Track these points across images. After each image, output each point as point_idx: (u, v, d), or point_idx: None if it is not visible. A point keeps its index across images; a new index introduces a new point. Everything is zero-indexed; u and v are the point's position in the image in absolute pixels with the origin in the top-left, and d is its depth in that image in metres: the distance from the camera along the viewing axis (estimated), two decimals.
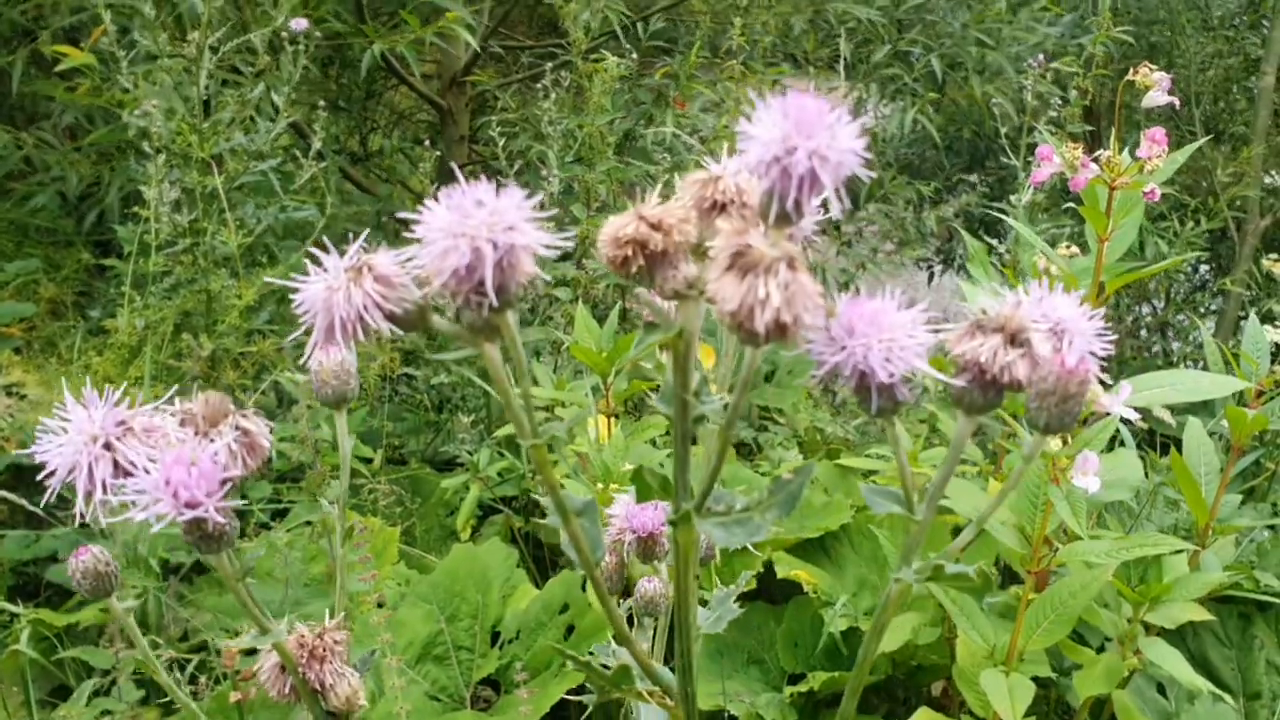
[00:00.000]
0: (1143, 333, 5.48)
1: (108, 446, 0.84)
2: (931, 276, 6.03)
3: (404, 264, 0.82)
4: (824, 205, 0.74)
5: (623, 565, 1.18)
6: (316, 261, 0.84)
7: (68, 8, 3.84)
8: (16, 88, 3.99)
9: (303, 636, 1.03)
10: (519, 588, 2.87)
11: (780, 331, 0.72)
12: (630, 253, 0.83)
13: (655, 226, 0.82)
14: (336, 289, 0.81)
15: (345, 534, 1.15)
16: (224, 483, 0.82)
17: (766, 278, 0.72)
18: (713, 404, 0.90)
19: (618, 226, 0.82)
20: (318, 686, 1.04)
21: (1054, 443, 2.33)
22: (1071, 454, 2.30)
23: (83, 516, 0.83)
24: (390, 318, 0.82)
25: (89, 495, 0.83)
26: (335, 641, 1.05)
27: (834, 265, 4.85)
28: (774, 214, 0.75)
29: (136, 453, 0.84)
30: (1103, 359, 0.91)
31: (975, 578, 0.91)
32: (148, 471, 0.81)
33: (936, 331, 0.85)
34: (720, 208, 0.85)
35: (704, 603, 1.14)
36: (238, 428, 0.89)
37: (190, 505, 0.81)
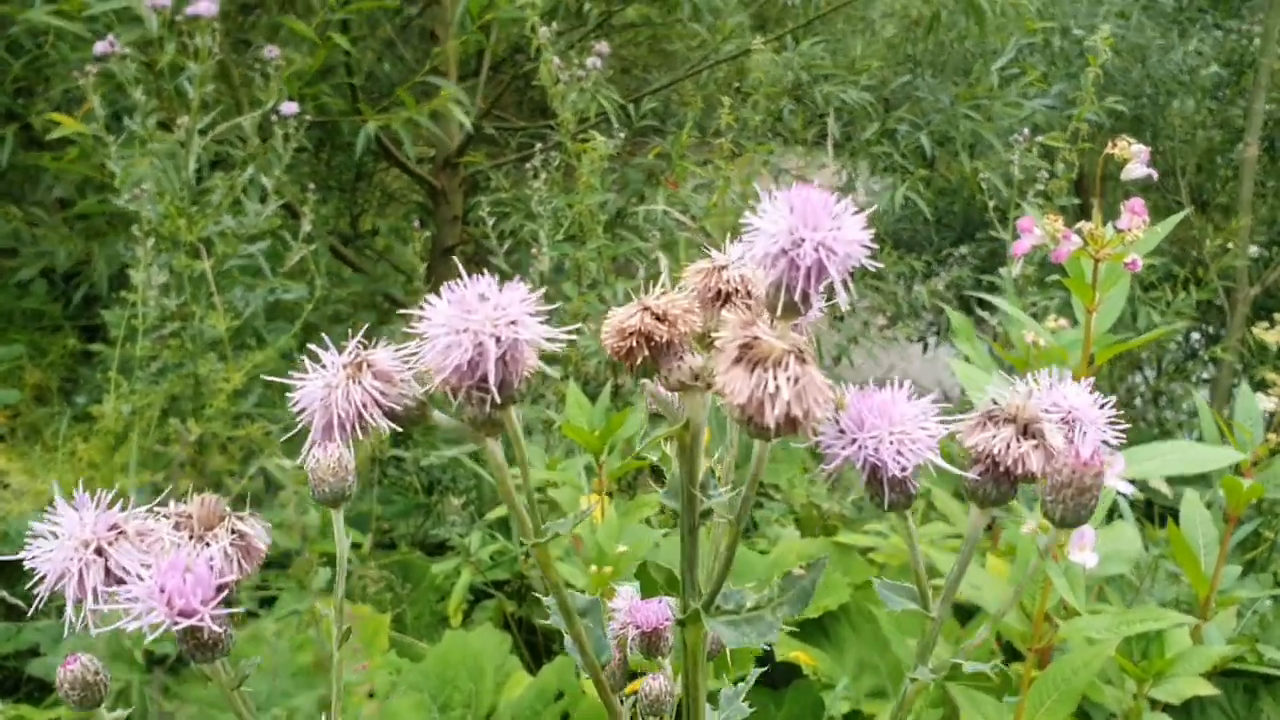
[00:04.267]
0: (1137, 402, 5.48)
1: (99, 552, 0.81)
2: (926, 347, 6.04)
3: (404, 359, 0.81)
4: (829, 292, 0.74)
5: (625, 661, 1.15)
6: (314, 356, 0.82)
7: (58, 85, 3.85)
8: (6, 159, 3.98)
9: None
10: (512, 675, 2.82)
11: (791, 426, 0.71)
12: (635, 344, 0.82)
13: (660, 318, 0.81)
14: (335, 386, 0.79)
15: (343, 635, 1.11)
16: (220, 589, 0.79)
17: (776, 371, 0.71)
18: (720, 497, 0.88)
19: (622, 318, 0.81)
20: None
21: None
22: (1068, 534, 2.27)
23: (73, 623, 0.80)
24: (390, 415, 0.80)
25: (79, 603, 0.80)
26: None
27: (828, 340, 4.85)
28: (781, 305, 0.73)
29: (130, 558, 0.81)
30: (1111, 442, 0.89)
31: (994, 676, 0.88)
32: (141, 578, 0.78)
33: (947, 423, 0.84)
34: (725, 298, 0.84)
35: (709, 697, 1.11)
36: (233, 530, 0.86)
37: (185, 614, 0.78)
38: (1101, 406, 0.88)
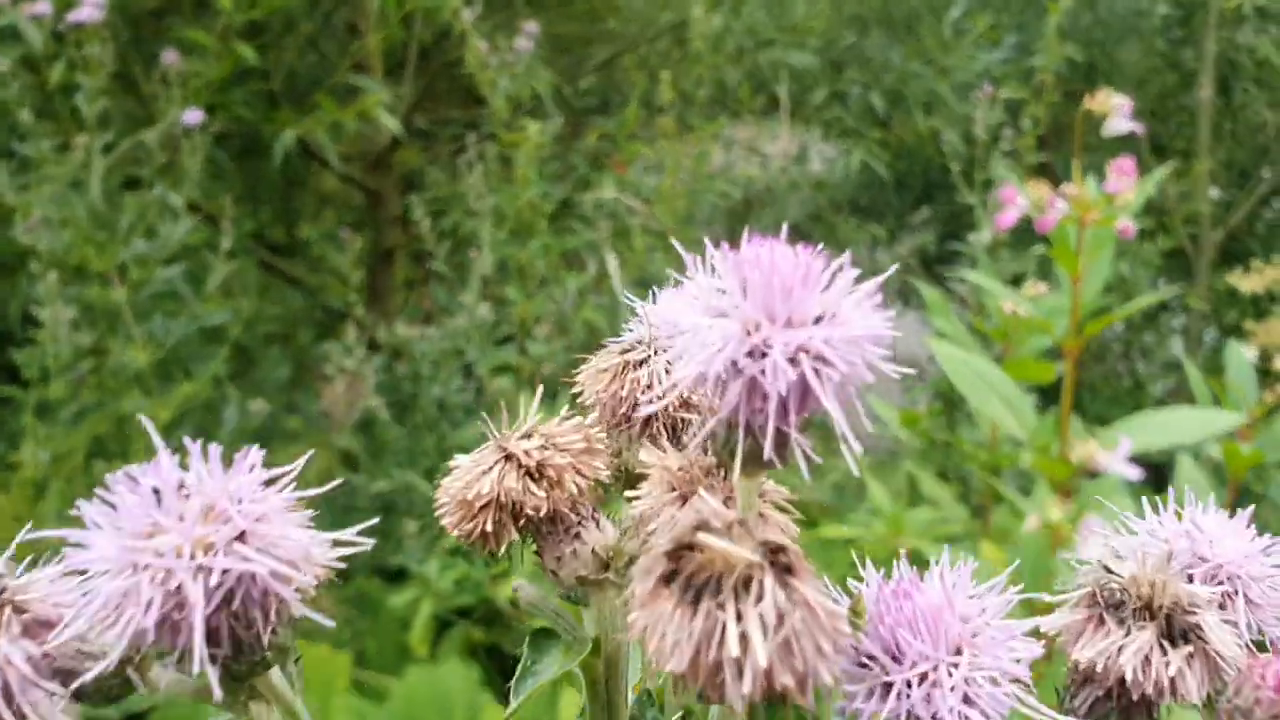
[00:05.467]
0: (1107, 357, 5.34)
1: None
2: (899, 305, 5.85)
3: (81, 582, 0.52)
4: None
5: None
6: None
7: None
8: None
9: None
10: (484, 709, 2.63)
11: (778, 697, 0.45)
12: (493, 524, 0.61)
13: (536, 474, 0.59)
14: None
15: None
16: None
17: (738, 605, 0.44)
18: None
19: (467, 479, 0.60)
20: None
21: (1055, 508, 2.14)
22: (1073, 521, 2.11)
23: None
24: (67, 683, 0.53)
25: None
26: None
27: None
28: (740, 456, 0.49)
29: None
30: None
31: None
32: None
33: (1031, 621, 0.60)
34: (644, 420, 0.62)
35: None
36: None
37: None
38: (1268, 552, 0.60)
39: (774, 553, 0.46)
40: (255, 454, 0.52)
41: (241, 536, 0.50)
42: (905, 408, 3.65)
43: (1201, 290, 5.02)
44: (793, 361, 0.47)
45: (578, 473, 0.60)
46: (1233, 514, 2.11)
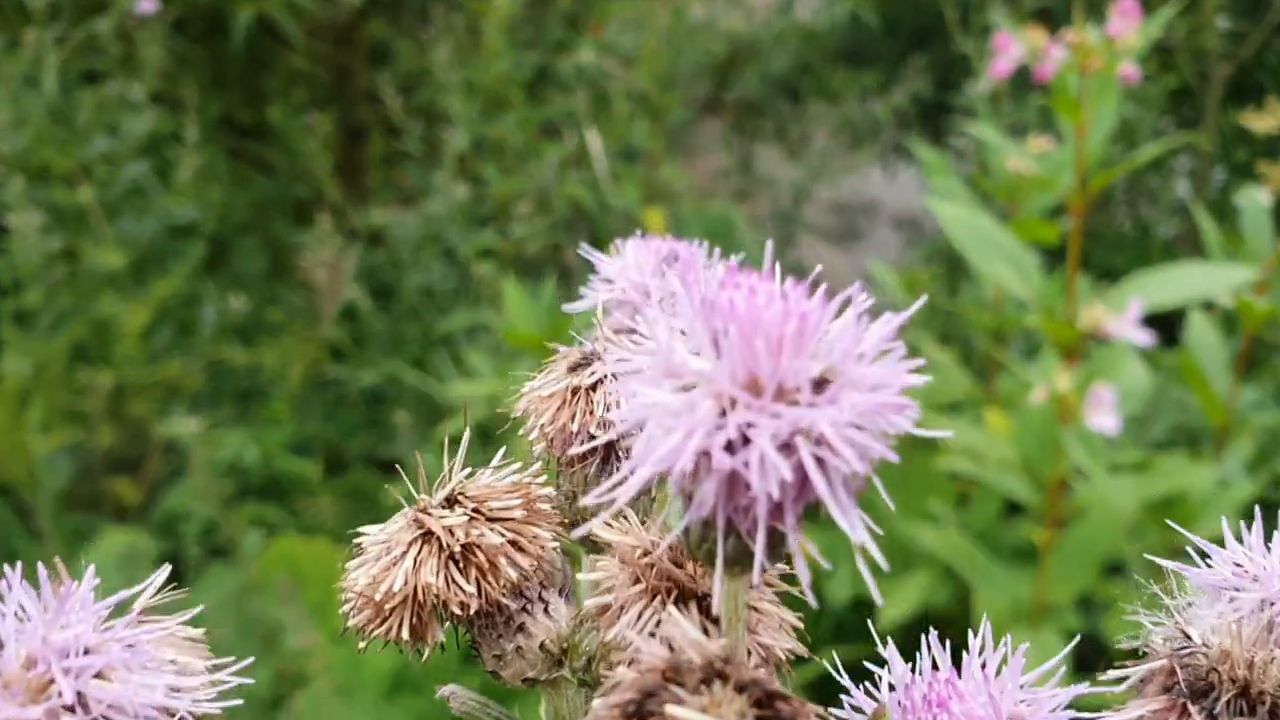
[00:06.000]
0: (1111, 203, 5.20)
1: None
2: (894, 160, 5.68)
3: None
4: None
5: None
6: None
7: None
8: None
9: None
10: None
11: None
12: (407, 631, 0.51)
13: (462, 559, 0.50)
14: None
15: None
16: None
17: None
18: None
19: (378, 569, 0.50)
20: None
21: (1062, 376, 2.07)
22: (1081, 390, 2.04)
23: None
24: None
25: None
26: None
27: (783, 177, 4.54)
28: (721, 560, 0.41)
29: None
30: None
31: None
32: None
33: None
34: (603, 451, 0.53)
35: None
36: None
37: None
38: None
39: (767, 705, 0.37)
40: (89, 578, 0.42)
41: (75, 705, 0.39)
42: (905, 268, 3.56)
43: (1209, 129, 4.87)
44: (786, 448, 0.38)
45: (517, 549, 0.51)
46: (1246, 372, 2.00)
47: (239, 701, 0.51)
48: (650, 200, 3.55)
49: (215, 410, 2.96)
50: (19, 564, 0.48)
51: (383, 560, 0.50)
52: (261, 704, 2.22)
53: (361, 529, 0.56)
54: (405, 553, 0.49)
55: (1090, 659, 2.40)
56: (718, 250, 0.77)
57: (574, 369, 0.56)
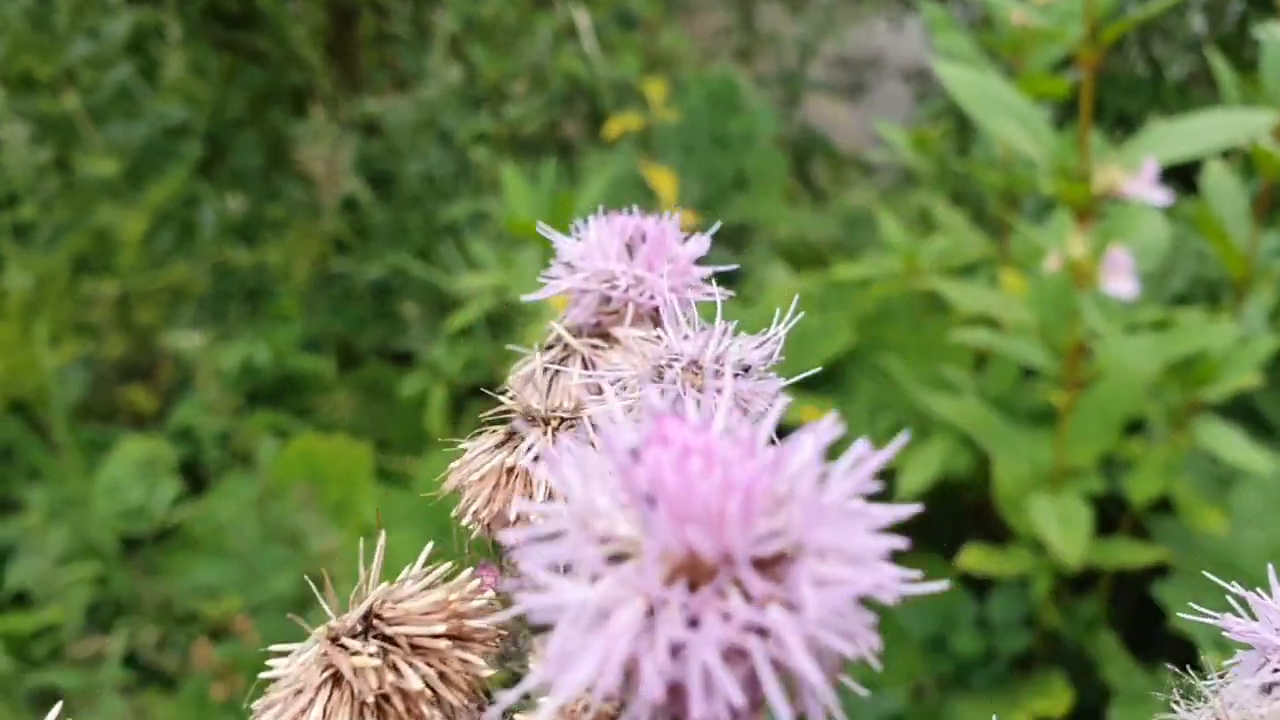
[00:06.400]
0: (1122, 43, 5.04)
1: None
2: (898, 9, 5.50)
3: None
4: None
5: None
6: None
7: None
8: None
9: None
10: None
11: None
12: None
13: (377, 709, 0.46)
14: None
15: None
16: None
17: None
18: None
19: (289, 716, 0.46)
20: None
21: (1077, 241, 2.02)
22: (1096, 254, 1.99)
23: None
24: None
25: None
26: None
27: (786, 33, 4.41)
28: None
29: None
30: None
31: None
32: None
33: None
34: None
35: None
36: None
37: None
38: None
39: None
40: None
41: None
42: (914, 126, 3.47)
43: None
44: (736, 654, 0.34)
45: (444, 681, 0.47)
46: (1266, 219, 1.95)
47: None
48: (650, 69, 3.45)
49: (222, 313, 2.95)
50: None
51: (291, 709, 0.47)
52: (290, 606, 2.25)
53: (277, 656, 0.53)
54: (314, 700, 0.46)
55: (1114, 517, 2.40)
56: (714, 244, 0.73)
57: (509, 439, 0.53)
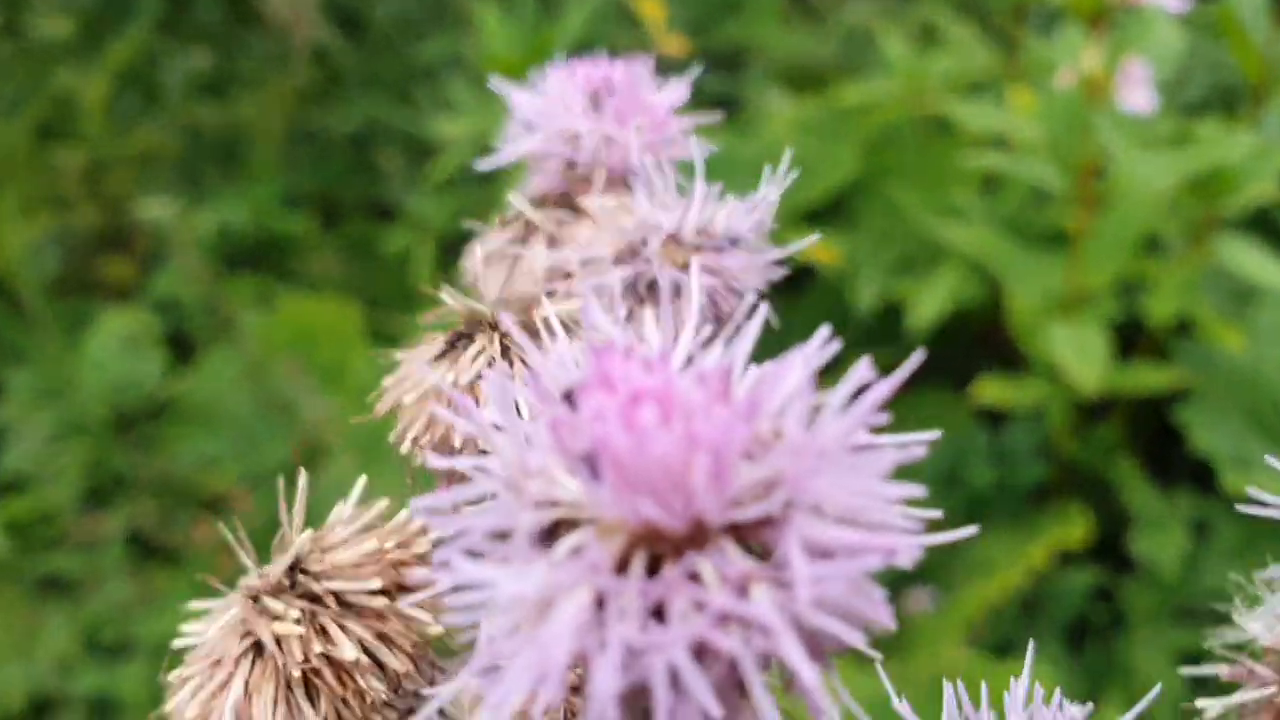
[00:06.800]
0: None
1: None
2: None
3: None
4: None
5: None
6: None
7: None
8: None
9: None
10: None
11: None
12: None
13: (307, 682, 0.38)
14: None
15: None
16: None
17: None
18: None
19: (204, 694, 0.38)
20: None
21: (1090, 53, 1.89)
22: (1110, 67, 1.86)
23: None
24: None
25: None
26: None
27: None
28: None
29: None
30: None
31: None
32: None
33: None
34: None
35: None
36: None
37: None
38: None
39: None
40: None
41: None
42: None
43: None
44: (701, 654, 0.26)
45: (385, 642, 0.39)
46: None
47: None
48: None
49: (196, 177, 2.83)
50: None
51: (209, 683, 0.39)
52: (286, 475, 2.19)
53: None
54: (233, 675, 0.38)
55: (1133, 339, 2.33)
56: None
57: (451, 347, 0.44)
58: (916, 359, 0.32)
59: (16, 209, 2.59)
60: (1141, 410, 2.35)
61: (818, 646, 0.30)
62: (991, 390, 2.19)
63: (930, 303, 2.28)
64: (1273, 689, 0.38)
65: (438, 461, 0.34)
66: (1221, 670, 0.42)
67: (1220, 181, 2.04)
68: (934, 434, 0.31)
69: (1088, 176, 2.03)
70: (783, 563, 0.29)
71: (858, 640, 0.29)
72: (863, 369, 0.31)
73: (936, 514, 0.31)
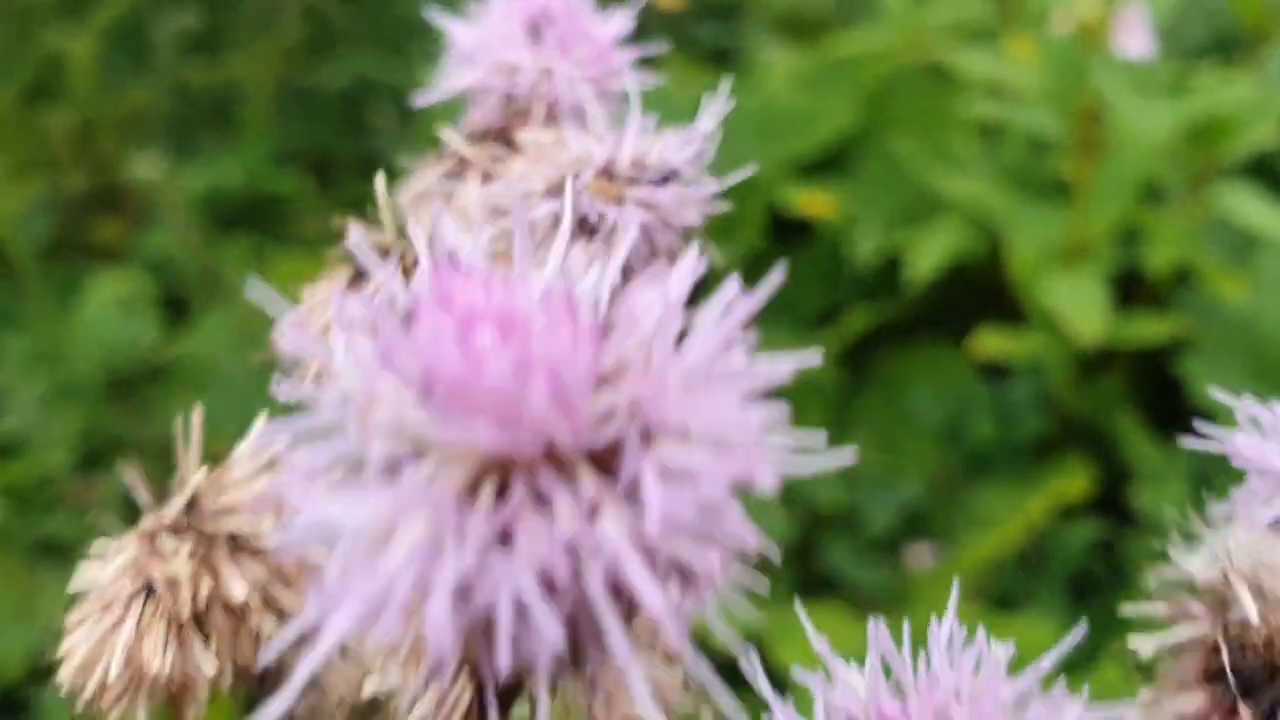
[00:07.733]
0: None
1: None
2: None
3: None
4: None
5: None
6: None
7: None
8: None
9: None
10: None
11: None
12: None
13: (198, 622, 0.36)
14: None
15: None
16: None
17: None
18: None
19: (94, 637, 0.37)
20: None
21: (1085, 1, 1.84)
22: (1106, 14, 1.82)
23: None
24: None
25: None
26: None
27: None
28: None
29: None
30: None
31: None
32: None
33: None
34: None
35: None
36: None
37: None
38: None
39: None
40: None
41: None
42: None
43: None
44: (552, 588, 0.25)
45: (286, 584, 0.37)
46: None
47: None
48: None
49: (188, 136, 2.81)
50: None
51: (100, 624, 0.37)
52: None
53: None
54: (125, 616, 0.37)
55: (1133, 291, 2.29)
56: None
57: (356, 281, 0.42)
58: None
59: (5, 172, 2.57)
60: (1142, 363, 2.32)
61: (690, 577, 0.28)
62: (991, 342, 2.17)
63: (929, 255, 2.25)
64: (1206, 627, 0.36)
65: (288, 392, 0.33)
66: (1159, 609, 0.39)
67: (1220, 128, 2.01)
68: (812, 355, 0.29)
69: (1086, 124, 2.00)
70: (636, 488, 0.27)
71: (712, 564, 0.27)
72: (730, 287, 0.29)
73: (821, 436, 0.29)
